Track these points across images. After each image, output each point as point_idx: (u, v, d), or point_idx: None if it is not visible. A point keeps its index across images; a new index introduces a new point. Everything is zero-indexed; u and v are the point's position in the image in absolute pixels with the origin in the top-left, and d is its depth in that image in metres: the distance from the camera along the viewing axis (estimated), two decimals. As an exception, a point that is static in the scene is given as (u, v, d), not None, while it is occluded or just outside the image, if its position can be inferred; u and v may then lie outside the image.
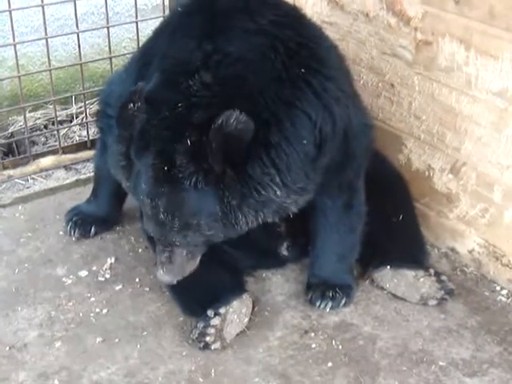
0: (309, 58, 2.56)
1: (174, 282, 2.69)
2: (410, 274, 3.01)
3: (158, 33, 2.84)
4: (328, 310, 2.96)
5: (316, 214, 2.93)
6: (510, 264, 3.05)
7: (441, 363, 2.74)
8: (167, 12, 3.96)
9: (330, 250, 3.00)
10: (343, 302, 2.98)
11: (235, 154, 2.35)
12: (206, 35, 2.51)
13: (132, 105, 2.42)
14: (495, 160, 2.97)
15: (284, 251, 3.12)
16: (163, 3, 3.97)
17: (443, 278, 3.04)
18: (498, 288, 3.11)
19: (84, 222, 3.34)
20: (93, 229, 3.34)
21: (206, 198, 2.42)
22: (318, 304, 2.97)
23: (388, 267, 3.04)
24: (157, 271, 2.69)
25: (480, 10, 2.83)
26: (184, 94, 2.42)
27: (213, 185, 2.40)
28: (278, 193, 2.47)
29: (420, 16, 3.06)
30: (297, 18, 2.72)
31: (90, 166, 3.83)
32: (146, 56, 2.76)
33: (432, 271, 3.04)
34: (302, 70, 2.52)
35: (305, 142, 2.49)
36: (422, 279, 3.00)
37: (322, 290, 2.99)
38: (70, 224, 3.33)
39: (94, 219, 3.36)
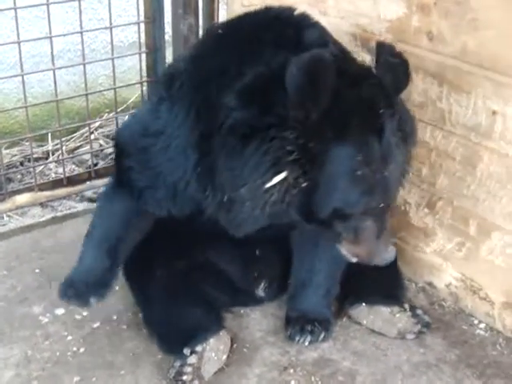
0: None
1: None
2: (385, 310, 3.02)
3: (210, 53, 2.66)
4: (307, 344, 2.95)
5: (312, 245, 2.93)
6: (487, 297, 3.06)
7: (421, 398, 2.74)
8: (143, 49, 3.98)
9: (318, 282, 2.98)
10: (322, 336, 2.97)
11: None
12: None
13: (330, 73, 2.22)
14: (470, 194, 2.99)
15: (261, 292, 3.11)
16: (139, 40, 3.98)
17: (418, 312, 3.05)
18: (475, 322, 3.12)
19: (80, 294, 2.87)
20: (92, 299, 2.86)
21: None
22: (297, 339, 2.95)
23: (363, 304, 3.04)
24: (381, 252, 2.52)
25: (453, 46, 2.87)
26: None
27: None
28: None
29: (394, 52, 3.09)
30: None
31: (67, 203, 3.83)
32: (204, 73, 2.56)
33: (407, 306, 3.04)
34: None
35: None
36: (397, 315, 3.01)
37: (301, 324, 2.97)
38: (65, 299, 2.89)
39: (91, 286, 2.88)
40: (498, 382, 2.80)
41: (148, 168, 2.66)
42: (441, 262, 3.21)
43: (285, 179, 2.29)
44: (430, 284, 3.30)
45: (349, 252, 2.54)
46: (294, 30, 2.52)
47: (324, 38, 2.59)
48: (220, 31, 2.73)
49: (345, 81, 2.27)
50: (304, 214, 2.40)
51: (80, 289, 2.85)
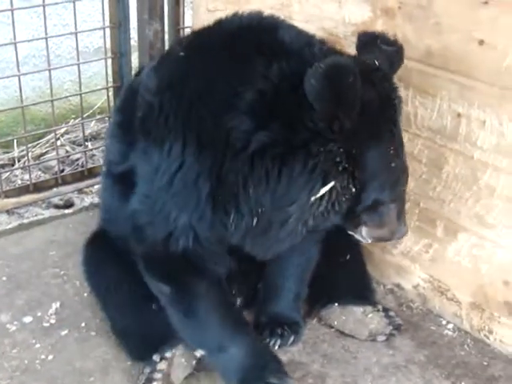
0: None
1: None
2: (358, 310, 3.03)
3: (186, 78, 2.46)
4: (277, 347, 2.94)
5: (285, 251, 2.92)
6: (454, 298, 3.09)
7: (390, 399, 2.76)
8: (109, 54, 3.97)
9: (289, 287, 3.00)
10: (292, 339, 2.97)
11: None
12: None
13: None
14: (436, 196, 3.02)
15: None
16: (105, 45, 3.97)
17: (391, 313, 3.07)
18: (443, 322, 3.15)
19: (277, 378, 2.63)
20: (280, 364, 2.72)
21: None
22: (267, 342, 2.94)
23: (336, 304, 3.05)
24: (401, 230, 2.59)
25: (418, 49, 2.89)
26: None
27: None
28: None
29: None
30: None
31: (33, 210, 3.79)
32: (189, 100, 2.41)
33: (380, 307, 3.06)
34: None
35: None
36: (370, 315, 3.02)
37: (271, 327, 2.97)
38: None
39: (267, 362, 2.69)
40: (466, 382, 2.82)
41: (156, 211, 2.51)
42: (408, 264, 3.23)
43: (332, 188, 2.32)
44: (398, 285, 3.32)
45: (369, 235, 2.57)
46: (273, 36, 2.46)
47: (307, 38, 2.53)
48: (182, 54, 2.56)
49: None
50: (346, 215, 2.45)
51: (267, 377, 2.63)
